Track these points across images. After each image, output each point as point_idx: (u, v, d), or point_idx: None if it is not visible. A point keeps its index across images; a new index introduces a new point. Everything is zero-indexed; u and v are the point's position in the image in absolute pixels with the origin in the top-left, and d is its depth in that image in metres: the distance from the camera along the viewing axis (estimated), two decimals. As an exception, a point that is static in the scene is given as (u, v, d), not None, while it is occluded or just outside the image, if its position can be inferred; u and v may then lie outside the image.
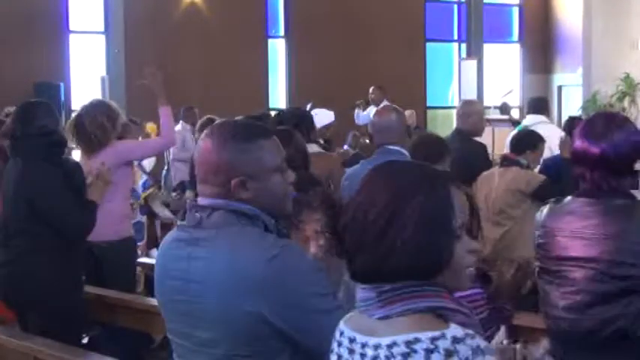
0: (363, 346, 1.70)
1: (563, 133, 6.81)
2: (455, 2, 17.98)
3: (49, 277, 4.38)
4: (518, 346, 3.36)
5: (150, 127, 10.40)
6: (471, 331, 1.63)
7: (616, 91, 14.40)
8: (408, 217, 1.66)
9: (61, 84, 13.43)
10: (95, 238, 4.66)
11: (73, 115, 5.49)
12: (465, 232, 1.73)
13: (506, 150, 6.09)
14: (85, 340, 4.75)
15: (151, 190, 7.78)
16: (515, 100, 16.57)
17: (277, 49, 16.01)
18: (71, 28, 14.17)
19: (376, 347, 1.67)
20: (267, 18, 15.71)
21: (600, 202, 3.00)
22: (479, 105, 6.81)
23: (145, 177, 7.94)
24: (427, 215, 1.67)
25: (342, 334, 1.77)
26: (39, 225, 4.38)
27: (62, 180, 4.44)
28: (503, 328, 3.34)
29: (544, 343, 3.25)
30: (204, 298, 2.21)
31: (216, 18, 14.80)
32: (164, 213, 7.98)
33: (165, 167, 11.41)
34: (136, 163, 6.22)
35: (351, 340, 1.73)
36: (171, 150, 10.57)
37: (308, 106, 10.44)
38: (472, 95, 15.11)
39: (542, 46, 17.96)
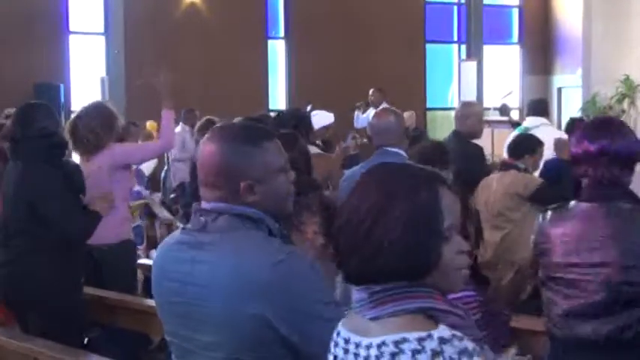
0: (357, 346, 1.73)
1: (563, 136, 6.82)
2: (455, 3, 17.98)
3: (49, 277, 4.39)
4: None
5: (150, 124, 10.40)
6: (459, 333, 1.65)
7: (615, 93, 14.39)
8: (394, 218, 1.68)
9: (61, 85, 13.44)
10: (94, 241, 4.67)
11: (72, 116, 5.49)
12: (458, 234, 1.74)
13: (505, 154, 6.10)
14: (84, 341, 4.76)
15: (140, 202, 7.64)
16: (514, 102, 16.58)
17: (277, 50, 16.02)
18: (71, 28, 14.17)
19: (368, 347, 1.70)
20: (267, 19, 15.72)
21: (604, 205, 3.01)
22: (477, 107, 6.81)
23: (138, 187, 7.84)
24: (413, 216, 1.68)
25: (338, 334, 1.79)
26: (39, 226, 4.39)
27: (62, 182, 4.45)
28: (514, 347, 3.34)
29: (512, 352, 3.25)
30: (209, 301, 2.21)
31: (216, 19, 14.81)
32: (163, 214, 7.98)
33: (165, 168, 11.43)
34: (134, 167, 6.19)
35: (346, 341, 1.76)
36: (172, 151, 10.59)
37: (308, 108, 10.46)
38: (472, 96, 15.11)
39: (541, 48, 17.97)
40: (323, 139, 7.47)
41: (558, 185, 5.41)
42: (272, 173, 2.31)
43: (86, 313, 4.62)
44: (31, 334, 4.35)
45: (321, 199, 3.09)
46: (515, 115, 14.39)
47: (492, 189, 5.65)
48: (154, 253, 6.24)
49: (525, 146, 5.81)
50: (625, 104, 14.43)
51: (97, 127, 5.01)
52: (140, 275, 5.70)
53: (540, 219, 3.19)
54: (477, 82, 16.59)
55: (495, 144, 9.77)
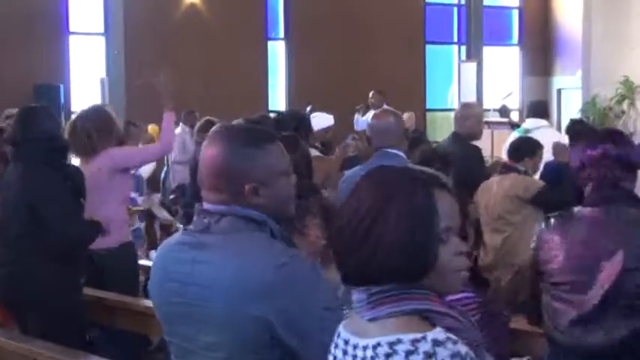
0: (355, 347, 1.74)
1: (563, 138, 6.83)
2: (455, 5, 18.00)
3: (49, 277, 4.39)
4: None
5: (152, 128, 10.38)
6: (454, 337, 1.66)
7: (615, 94, 14.39)
8: (389, 219, 1.70)
9: (61, 85, 13.44)
10: (94, 245, 4.68)
11: (72, 118, 5.50)
12: (457, 236, 1.75)
13: (504, 156, 6.10)
14: (86, 341, 4.76)
15: (136, 209, 7.54)
16: (514, 103, 16.59)
17: (277, 51, 16.03)
18: (71, 29, 14.18)
19: (364, 348, 1.71)
20: (267, 20, 15.72)
21: (607, 208, 3.03)
22: (477, 108, 6.79)
23: (133, 194, 7.76)
24: (408, 217, 1.70)
25: (339, 335, 1.81)
26: (39, 228, 4.39)
27: (63, 185, 4.46)
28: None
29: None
30: (210, 302, 2.22)
31: (216, 20, 14.81)
32: (163, 215, 7.97)
33: (165, 169, 11.43)
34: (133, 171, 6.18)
35: (346, 342, 1.77)
36: (172, 152, 10.59)
37: (307, 109, 10.46)
38: (472, 98, 15.11)
39: (541, 49, 17.99)
40: (322, 140, 7.47)
41: (559, 188, 5.41)
42: (276, 176, 2.32)
43: (86, 314, 4.62)
44: (31, 335, 4.35)
45: (321, 202, 3.10)
46: (515, 117, 14.37)
47: (492, 192, 5.64)
48: (153, 254, 6.25)
49: (525, 149, 5.81)
50: (625, 105, 14.43)
51: (94, 130, 5.01)
52: (142, 277, 5.70)
53: (543, 225, 3.20)
54: (477, 83, 16.58)
55: (495, 145, 9.77)
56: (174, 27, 14.51)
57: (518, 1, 18.23)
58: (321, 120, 7.23)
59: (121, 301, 4.77)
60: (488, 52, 17.72)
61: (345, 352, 1.76)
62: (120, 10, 14.11)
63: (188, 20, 14.73)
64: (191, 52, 14.38)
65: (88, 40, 14.53)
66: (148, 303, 4.48)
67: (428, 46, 17.28)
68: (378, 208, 1.71)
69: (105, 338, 4.94)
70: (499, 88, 16.73)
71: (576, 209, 3.13)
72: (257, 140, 2.32)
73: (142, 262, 6.04)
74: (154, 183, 10.76)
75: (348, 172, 5.20)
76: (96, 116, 5.11)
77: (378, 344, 1.67)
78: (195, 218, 2.34)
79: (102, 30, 14.45)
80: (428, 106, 17.24)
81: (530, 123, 7.46)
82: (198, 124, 8.25)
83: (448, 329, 1.68)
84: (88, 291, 4.80)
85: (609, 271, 2.94)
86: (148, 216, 7.65)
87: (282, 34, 16.01)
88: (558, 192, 5.29)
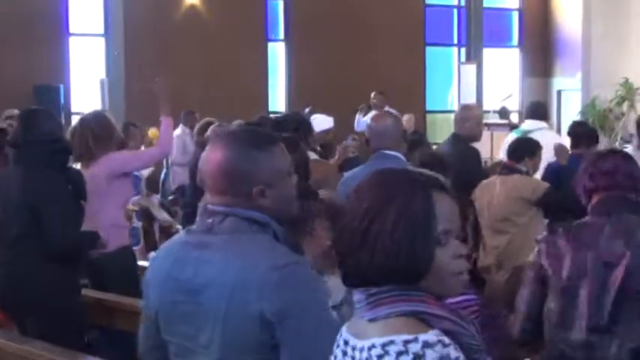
0: (353, 348, 1.76)
1: (561, 140, 6.83)
2: (455, 6, 18.00)
3: (49, 278, 4.40)
4: None
5: (152, 132, 10.38)
6: (447, 340, 1.66)
7: (615, 96, 14.43)
8: (387, 221, 1.71)
9: (61, 86, 13.43)
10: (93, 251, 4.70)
11: (74, 123, 5.53)
12: (456, 239, 1.76)
13: (503, 156, 6.09)
14: (86, 342, 4.76)
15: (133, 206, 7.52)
16: (514, 105, 16.59)
17: (277, 53, 16.03)
18: (71, 30, 14.17)
19: (361, 350, 1.73)
20: (267, 21, 15.73)
21: (612, 217, 3.08)
22: (477, 110, 6.79)
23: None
24: (405, 219, 1.70)
25: (340, 335, 1.83)
26: (39, 229, 4.40)
27: (64, 187, 4.47)
28: None
29: None
30: (212, 302, 2.23)
31: (216, 21, 14.81)
32: (162, 216, 7.96)
33: (164, 171, 11.43)
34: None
35: (346, 343, 1.79)
36: (173, 153, 10.60)
37: (306, 110, 10.47)
38: (471, 99, 15.12)
39: (541, 51, 17.99)
40: (323, 142, 7.47)
41: (564, 189, 5.40)
42: (281, 177, 2.34)
43: (85, 315, 4.62)
44: (30, 336, 4.35)
45: (326, 203, 3.12)
46: (514, 118, 14.40)
47: (495, 192, 5.58)
48: (152, 255, 6.24)
49: (525, 149, 5.78)
50: (624, 107, 14.46)
51: (94, 137, 5.04)
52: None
53: (547, 234, 3.23)
54: (477, 84, 16.60)
55: (495, 147, 9.77)
56: (174, 28, 14.51)
57: (518, 3, 18.23)
58: (321, 122, 7.23)
59: (121, 303, 4.77)
60: (488, 53, 17.73)
61: (344, 353, 1.78)
62: (120, 11, 14.11)
63: (188, 21, 14.74)
64: (191, 53, 14.38)
65: (88, 41, 14.54)
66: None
67: (428, 48, 17.28)
68: (376, 210, 1.72)
69: (104, 339, 4.94)
70: (499, 89, 16.73)
71: (583, 219, 3.18)
72: (261, 142, 2.34)
73: (141, 263, 6.04)
74: (153, 184, 10.76)
75: (347, 174, 5.20)
76: (95, 122, 5.14)
77: (373, 346, 1.69)
78: (198, 219, 2.36)
79: (102, 31, 14.45)
80: (428, 108, 17.24)
81: (528, 124, 7.46)
82: (198, 126, 8.24)
83: (445, 332, 1.69)
84: (87, 292, 4.80)
85: (618, 274, 2.97)
86: (147, 217, 7.63)
87: (282, 36, 16.02)
88: (564, 193, 5.28)
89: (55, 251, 4.39)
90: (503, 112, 13.65)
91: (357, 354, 1.74)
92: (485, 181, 5.77)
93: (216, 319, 2.23)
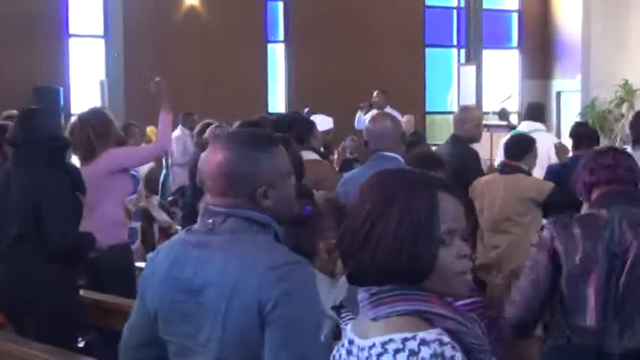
0: (358, 348, 1.77)
1: (557, 141, 6.84)
2: (454, 8, 18.01)
3: (48, 278, 4.40)
4: None
5: (150, 130, 10.39)
6: (446, 339, 1.67)
7: (614, 97, 14.41)
8: (390, 221, 1.71)
9: (61, 88, 13.43)
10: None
11: (72, 120, 5.52)
12: (460, 239, 1.76)
13: (502, 156, 6.08)
14: (81, 344, 4.75)
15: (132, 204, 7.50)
16: (514, 106, 16.59)
17: (277, 54, 16.04)
18: (71, 31, 14.18)
19: (362, 350, 1.74)
20: (267, 22, 15.73)
21: (615, 209, 3.14)
22: (476, 111, 6.79)
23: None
24: (408, 219, 1.71)
25: (345, 334, 1.85)
26: (39, 228, 4.40)
27: (65, 185, 4.47)
28: None
29: None
30: (212, 301, 2.25)
31: (216, 22, 14.82)
32: (162, 217, 7.96)
33: (164, 172, 11.42)
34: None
35: (351, 342, 1.80)
36: (173, 154, 10.60)
37: (305, 111, 10.46)
38: (471, 101, 15.13)
39: (541, 52, 17.99)
40: (324, 142, 7.46)
41: (568, 189, 5.39)
42: (281, 177, 2.36)
43: (83, 316, 4.62)
44: (27, 337, 4.35)
45: (332, 202, 3.14)
46: (514, 120, 14.39)
47: (498, 192, 5.53)
48: (150, 256, 6.23)
49: (523, 146, 5.74)
50: (624, 108, 14.44)
51: (93, 133, 5.04)
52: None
53: (552, 226, 3.25)
54: (476, 86, 16.61)
55: (494, 148, 9.76)
56: (174, 29, 14.51)
57: (517, 4, 18.23)
58: (320, 122, 7.22)
59: (118, 304, 4.76)
60: (488, 55, 17.74)
61: (349, 352, 1.79)
62: (119, 12, 14.12)
63: (188, 22, 14.74)
64: (191, 55, 14.38)
65: (87, 42, 14.55)
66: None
67: (427, 49, 17.29)
68: (379, 211, 1.73)
69: (102, 340, 4.94)
70: (498, 91, 16.73)
71: (584, 211, 3.24)
72: (261, 143, 2.35)
73: (139, 264, 6.03)
74: (153, 185, 10.75)
75: (346, 175, 5.19)
76: (94, 119, 5.14)
77: (373, 345, 1.71)
78: (199, 219, 2.37)
79: (101, 32, 14.45)
80: (427, 109, 17.24)
81: (525, 126, 7.46)
82: (197, 127, 8.22)
83: (448, 331, 1.69)
84: (85, 293, 4.80)
85: (626, 263, 3.02)
86: (146, 218, 7.62)
87: (281, 37, 16.02)
88: (566, 192, 5.27)
89: (55, 251, 4.39)
90: (503, 114, 13.63)
91: (360, 354, 1.75)
92: (484, 180, 5.74)
93: (215, 318, 2.24)
